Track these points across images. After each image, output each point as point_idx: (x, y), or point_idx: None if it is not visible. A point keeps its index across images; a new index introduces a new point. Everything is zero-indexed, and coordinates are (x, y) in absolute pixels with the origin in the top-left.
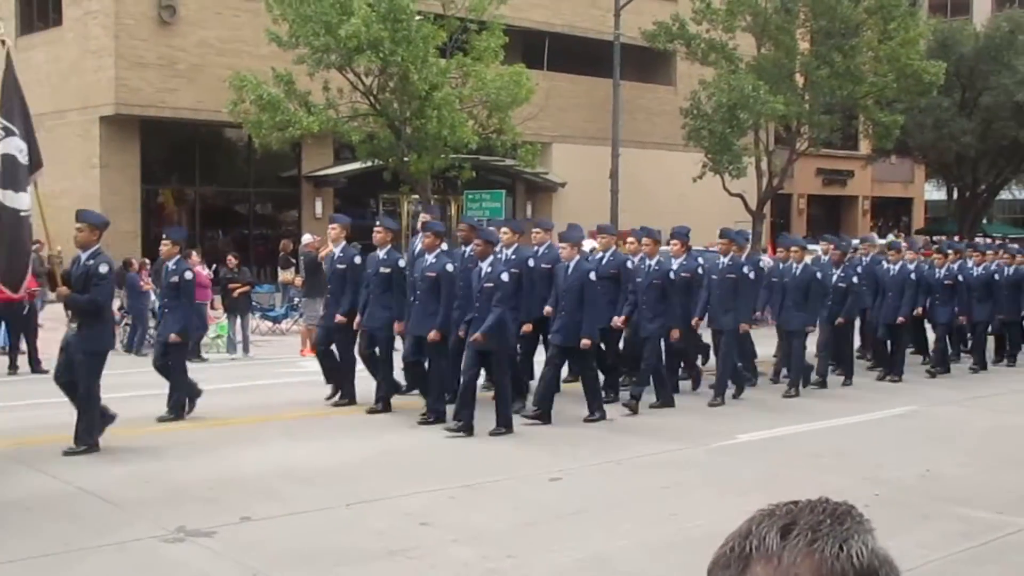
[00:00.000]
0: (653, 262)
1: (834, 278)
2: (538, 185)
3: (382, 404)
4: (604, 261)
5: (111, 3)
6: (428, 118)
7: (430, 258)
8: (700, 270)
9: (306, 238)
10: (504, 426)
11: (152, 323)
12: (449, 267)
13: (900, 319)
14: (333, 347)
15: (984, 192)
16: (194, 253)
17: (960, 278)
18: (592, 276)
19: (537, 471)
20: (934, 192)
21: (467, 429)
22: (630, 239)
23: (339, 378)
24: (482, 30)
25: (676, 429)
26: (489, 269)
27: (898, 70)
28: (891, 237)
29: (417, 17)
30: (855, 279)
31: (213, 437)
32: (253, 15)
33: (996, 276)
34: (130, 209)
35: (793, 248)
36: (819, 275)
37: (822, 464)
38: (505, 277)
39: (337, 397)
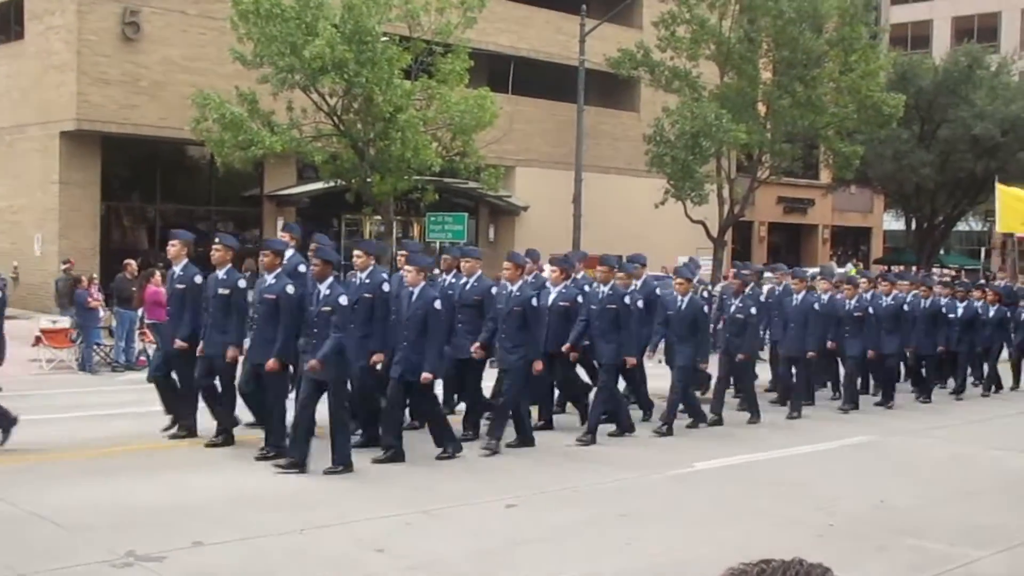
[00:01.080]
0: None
1: (732, 308)
2: (501, 208)
3: (223, 437)
4: (468, 287)
5: (74, 18)
6: (392, 140)
7: (269, 279)
8: (580, 299)
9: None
10: (342, 464)
11: (107, 340)
12: (289, 289)
13: (810, 353)
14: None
15: (942, 223)
16: (156, 272)
17: (870, 310)
18: (437, 304)
19: (494, 498)
20: (893, 222)
21: (301, 465)
22: (600, 267)
23: (178, 408)
24: (447, 53)
25: (633, 457)
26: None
27: (859, 101)
28: (849, 266)
29: (383, 39)
30: (753, 310)
31: (168, 460)
32: (218, 33)
33: (905, 307)
34: (89, 226)
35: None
36: (705, 309)
37: (777, 493)
38: (343, 301)
39: (175, 429)
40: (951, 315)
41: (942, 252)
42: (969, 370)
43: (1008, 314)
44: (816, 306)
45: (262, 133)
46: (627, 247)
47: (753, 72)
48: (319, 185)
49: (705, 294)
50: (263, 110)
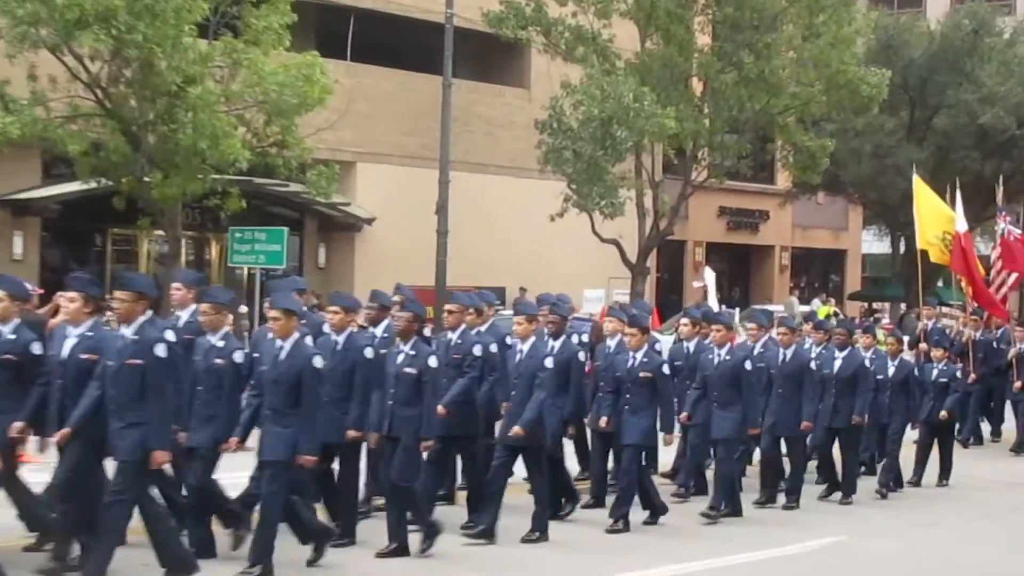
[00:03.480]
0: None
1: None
2: (335, 222)
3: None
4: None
5: None
6: (180, 123)
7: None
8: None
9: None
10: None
11: None
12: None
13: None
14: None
15: None
16: None
17: (772, 370)
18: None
19: None
20: (874, 243)
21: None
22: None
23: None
24: (260, 3)
25: (553, 565)
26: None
27: (828, 79)
28: (817, 304)
29: None
30: (664, 368)
31: None
32: None
33: (813, 365)
34: None
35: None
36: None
37: None
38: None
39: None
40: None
41: (940, 284)
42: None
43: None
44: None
45: None
46: (512, 276)
47: (685, 36)
48: (75, 186)
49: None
50: None
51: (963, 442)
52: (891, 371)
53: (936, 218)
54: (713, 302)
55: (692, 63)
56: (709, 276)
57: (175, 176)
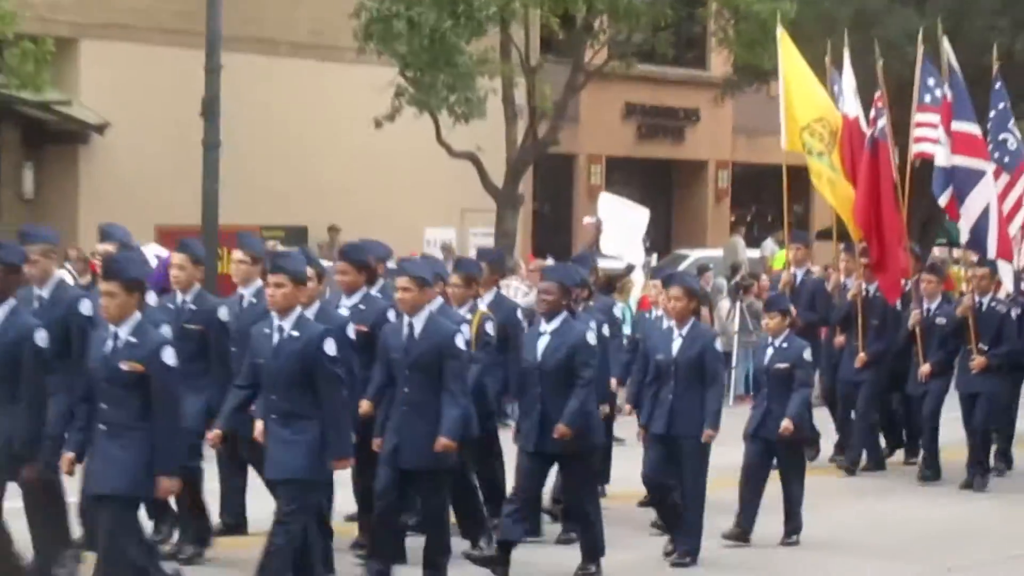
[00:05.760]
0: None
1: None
2: (48, 129)
3: None
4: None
5: None
6: None
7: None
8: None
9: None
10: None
11: None
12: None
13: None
14: None
15: None
16: None
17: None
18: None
19: None
20: None
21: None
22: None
23: None
24: None
25: None
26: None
27: None
28: (771, 247)
29: None
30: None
31: None
32: None
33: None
34: None
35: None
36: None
37: None
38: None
39: None
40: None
41: (948, 218)
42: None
43: None
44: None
45: None
46: (317, 210)
47: None
48: None
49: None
50: None
51: (848, 467)
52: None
53: (808, 98)
54: (620, 244)
55: None
56: (610, 206)
57: None
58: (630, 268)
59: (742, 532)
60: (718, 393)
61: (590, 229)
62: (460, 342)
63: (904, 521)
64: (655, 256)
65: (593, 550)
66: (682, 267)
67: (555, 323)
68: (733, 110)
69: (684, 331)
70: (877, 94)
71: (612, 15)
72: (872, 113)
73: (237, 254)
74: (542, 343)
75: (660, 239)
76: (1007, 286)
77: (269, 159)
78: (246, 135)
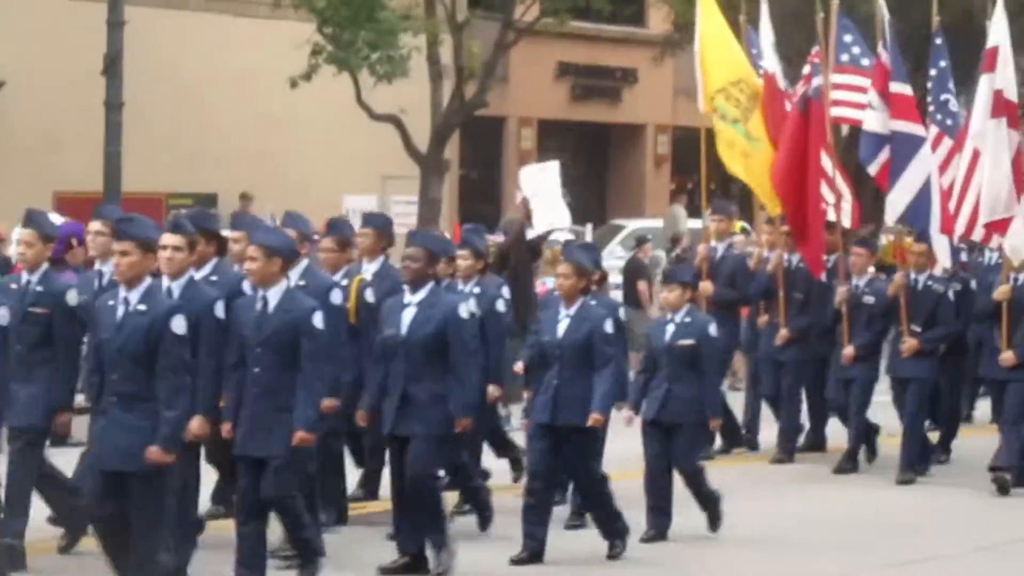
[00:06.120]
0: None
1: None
2: None
3: None
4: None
5: None
6: None
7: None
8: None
9: None
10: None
11: None
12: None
13: None
14: None
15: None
16: None
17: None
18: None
19: None
20: None
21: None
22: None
23: None
24: None
25: None
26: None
27: None
28: (708, 218)
29: None
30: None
31: None
32: None
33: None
34: None
35: None
36: None
37: None
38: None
39: None
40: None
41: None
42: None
43: None
44: None
45: None
46: (228, 176)
47: None
48: None
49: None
50: None
51: (781, 455)
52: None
53: (725, 59)
54: (551, 214)
55: None
56: (536, 178)
57: None
58: (547, 233)
59: (657, 534)
60: (610, 374)
61: (522, 206)
62: (317, 320)
63: (832, 512)
64: (590, 227)
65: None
66: (619, 238)
67: (422, 293)
68: (673, 70)
69: (572, 311)
70: (815, 50)
71: None
72: (808, 70)
73: (95, 225)
74: (407, 315)
75: (595, 208)
76: (943, 262)
77: (177, 121)
78: (152, 95)
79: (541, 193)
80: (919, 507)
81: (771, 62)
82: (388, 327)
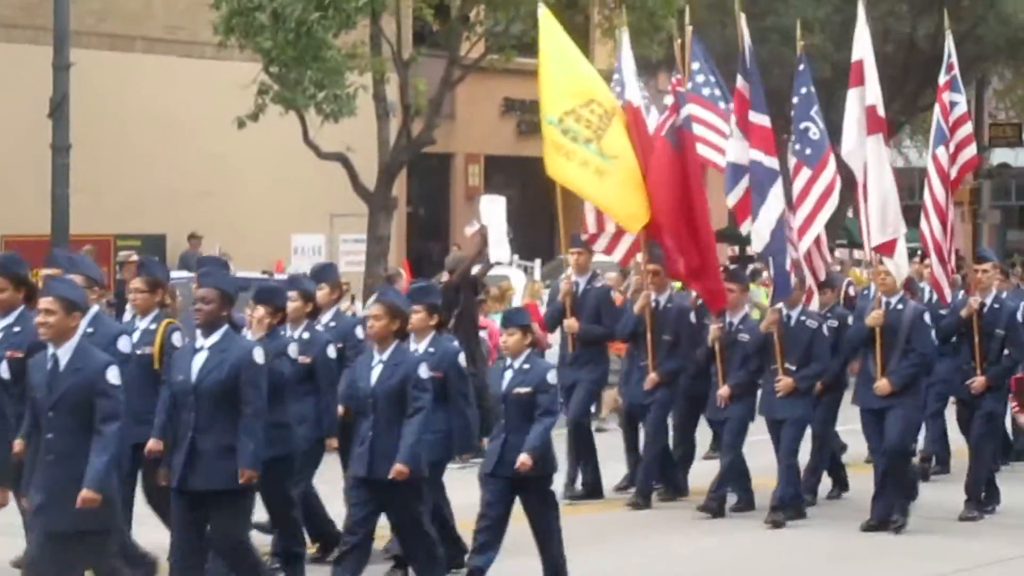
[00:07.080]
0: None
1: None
2: None
3: None
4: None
5: None
6: None
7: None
8: None
9: None
10: None
11: None
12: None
13: None
14: None
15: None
16: None
17: None
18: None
19: None
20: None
21: None
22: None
23: None
24: None
25: None
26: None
27: None
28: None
29: None
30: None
31: None
32: None
33: None
34: None
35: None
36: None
37: None
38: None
39: None
40: None
41: (849, 214)
42: None
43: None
44: None
45: None
46: (175, 217)
47: None
48: None
49: None
50: None
51: (636, 502)
52: None
53: (574, 81)
54: (496, 248)
55: None
56: (489, 208)
57: None
58: (489, 266)
59: None
60: (418, 423)
61: (475, 238)
62: (112, 376)
63: (688, 558)
64: (539, 262)
65: None
66: (565, 275)
67: (214, 337)
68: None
69: (385, 356)
70: (676, 78)
71: (489, 5)
72: (672, 100)
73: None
74: (198, 361)
75: (543, 244)
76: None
77: (124, 163)
78: (99, 137)
79: (493, 224)
80: (785, 552)
81: (635, 95)
82: (175, 374)
